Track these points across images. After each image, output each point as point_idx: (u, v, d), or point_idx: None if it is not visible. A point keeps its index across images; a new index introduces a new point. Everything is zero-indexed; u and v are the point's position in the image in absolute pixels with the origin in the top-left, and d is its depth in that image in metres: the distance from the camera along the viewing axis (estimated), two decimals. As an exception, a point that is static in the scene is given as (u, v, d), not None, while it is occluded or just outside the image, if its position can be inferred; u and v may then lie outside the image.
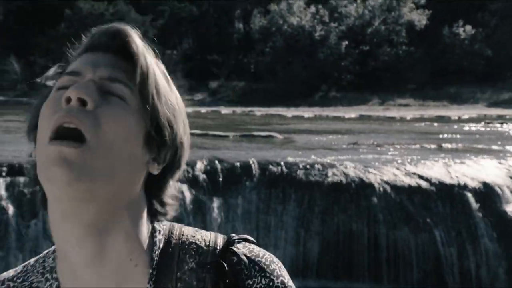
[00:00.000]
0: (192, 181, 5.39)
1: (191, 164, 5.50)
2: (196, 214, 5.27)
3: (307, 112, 18.62)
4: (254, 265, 0.69)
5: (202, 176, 5.50)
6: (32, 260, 0.75)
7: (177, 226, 0.73)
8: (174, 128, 0.69)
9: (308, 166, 5.80)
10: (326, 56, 25.71)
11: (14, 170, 5.11)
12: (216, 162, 5.69)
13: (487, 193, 5.65)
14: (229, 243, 0.71)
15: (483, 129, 12.16)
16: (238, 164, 5.70)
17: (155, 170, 0.69)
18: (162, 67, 0.72)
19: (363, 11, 27.10)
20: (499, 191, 5.68)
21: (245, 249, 0.71)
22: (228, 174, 5.59)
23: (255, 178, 5.59)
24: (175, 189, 0.73)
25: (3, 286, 0.74)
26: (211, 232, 0.73)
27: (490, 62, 25.54)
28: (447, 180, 5.76)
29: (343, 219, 5.41)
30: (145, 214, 0.70)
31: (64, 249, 0.67)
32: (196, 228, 0.74)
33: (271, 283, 0.69)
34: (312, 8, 26.90)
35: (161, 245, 0.70)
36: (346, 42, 25.79)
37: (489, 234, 5.39)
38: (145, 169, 0.68)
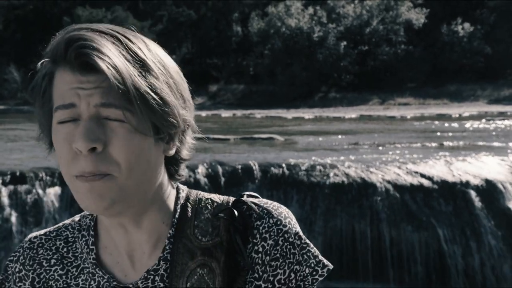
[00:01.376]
0: (193, 185, 5.39)
1: (193, 168, 5.50)
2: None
3: (307, 113, 18.62)
4: (263, 209, 0.75)
5: (204, 180, 5.50)
6: (67, 220, 0.82)
7: (195, 190, 0.81)
8: (173, 107, 0.70)
9: (309, 167, 5.79)
10: (325, 57, 25.71)
11: (16, 178, 5.11)
12: (218, 165, 5.69)
13: (490, 190, 5.64)
14: (240, 196, 0.77)
15: (484, 126, 12.14)
16: (239, 166, 5.70)
17: (172, 150, 0.74)
18: (140, 46, 0.69)
19: (361, 11, 27.12)
20: (502, 188, 5.66)
21: (255, 199, 0.77)
22: (229, 177, 5.59)
23: (257, 180, 5.59)
24: (190, 146, 0.78)
25: (36, 239, 0.80)
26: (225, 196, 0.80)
27: (490, 59, 25.51)
28: (449, 178, 5.75)
29: (345, 220, 5.40)
30: (171, 186, 0.77)
31: (105, 224, 0.76)
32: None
33: (278, 222, 0.74)
34: (310, 10, 26.92)
35: (183, 201, 0.78)
36: (345, 43, 25.80)
37: (493, 231, 5.38)
38: (163, 156, 0.74)
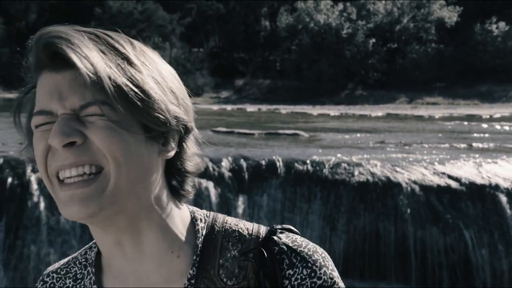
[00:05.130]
0: (217, 179, 5.41)
1: (217, 162, 5.52)
2: (221, 212, 5.25)
3: (332, 110, 18.46)
4: (296, 255, 0.68)
5: (228, 174, 5.52)
6: (77, 253, 0.78)
7: (220, 215, 0.74)
8: (159, 102, 0.64)
9: (334, 165, 5.74)
10: (353, 54, 25.43)
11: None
12: (242, 160, 5.69)
13: (520, 194, 5.48)
14: (272, 232, 0.70)
15: (516, 128, 11.80)
16: (263, 162, 5.69)
17: (170, 153, 0.68)
18: (122, 42, 0.65)
19: (391, 9, 26.68)
20: (533, 192, 5.50)
21: (288, 239, 0.70)
22: (253, 172, 5.59)
23: (281, 176, 5.58)
24: (197, 157, 0.71)
25: (49, 278, 0.77)
26: (254, 223, 0.73)
27: (524, 60, 24.77)
28: (478, 180, 5.61)
29: (369, 218, 5.34)
30: (174, 205, 0.70)
31: (104, 249, 0.70)
32: (239, 218, 0.74)
33: (312, 274, 0.68)
34: (340, 6, 26.66)
35: (204, 232, 0.71)
36: (374, 40, 25.45)
37: (522, 236, 5.23)
38: (159, 159, 0.67)
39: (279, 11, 28.01)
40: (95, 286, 0.72)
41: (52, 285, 0.76)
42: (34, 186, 5.08)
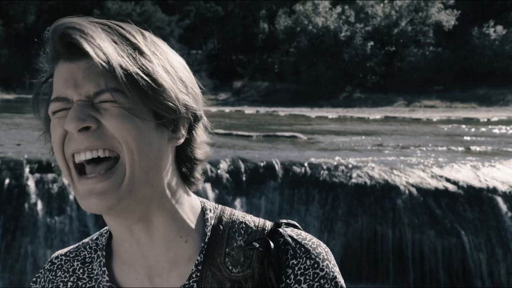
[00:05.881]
0: (215, 181, 5.40)
1: (215, 164, 5.52)
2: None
3: (331, 113, 18.47)
4: (300, 247, 0.70)
5: (226, 176, 5.51)
6: (87, 238, 0.80)
7: (228, 208, 0.76)
8: (169, 90, 0.67)
9: (332, 167, 5.74)
10: (351, 57, 25.46)
11: (43, 167, 5.21)
12: (240, 161, 5.69)
13: (518, 198, 5.49)
14: (277, 225, 0.73)
15: (513, 132, 11.82)
16: (261, 164, 5.69)
17: (180, 140, 0.70)
18: (133, 33, 0.68)
19: (389, 12, 26.74)
20: (530, 196, 5.50)
21: (293, 232, 0.72)
22: (251, 174, 5.58)
23: (279, 178, 5.57)
24: (205, 145, 0.73)
25: (57, 260, 0.79)
26: (260, 218, 0.76)
27: (522, 63, 24.84)
28: (476, 184, 5.62)
29: (367, 221, 5.33)
30: (184, 192, 0.73)
31: (116, 234, 0.73)
32: (245, 213, 0.77)
33: (315, 265, 0.70)
34: (338, 9, 26.69)
35: (212, 222, 0.73)
36: (372, 43, 25.49)
37: (519, 239, 5.23)
38: (170, 146, 0.70)
39: (277, 14, 28.05)
40: (104, 268, 0.73)
41: (59, 266, 0.78)
42: (32, 187, 5.07)
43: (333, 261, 0.71)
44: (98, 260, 0.75)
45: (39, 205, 4.97)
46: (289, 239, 0.70)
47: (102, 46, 0.64)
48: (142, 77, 0.65)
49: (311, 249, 0.70)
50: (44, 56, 0.70)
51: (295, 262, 0.69)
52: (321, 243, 0.72)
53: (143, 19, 27.86)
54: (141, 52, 0.66)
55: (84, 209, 0.66)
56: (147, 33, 0.70)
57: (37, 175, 5.16)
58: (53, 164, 5.27)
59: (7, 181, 5.00)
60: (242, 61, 29.67)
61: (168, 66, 0.68)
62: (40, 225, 4.89)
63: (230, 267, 0.70)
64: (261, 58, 29.69)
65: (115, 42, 0.66)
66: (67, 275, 0.77)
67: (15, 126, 9.29)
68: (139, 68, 0.65)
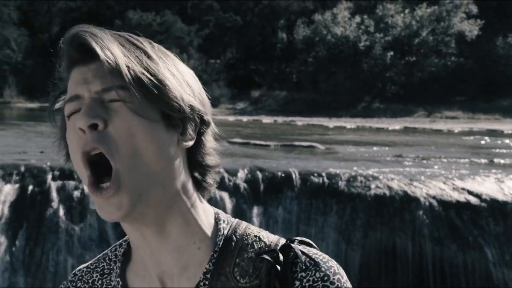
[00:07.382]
0: (233, 190, 5.39)
1: (232, 173, 5.50)
2: (235, 223, 5.23)
3: (349, 123, 18.35)
4: (310, 260, 0.70)
5: (243, 185, 5.49)
6: (108, 249, 0.82)
7: (244, 222, 0.77)
8: (174, 90, 0.68)
9: (350, 178, 5.67)
10: (370, 67, 25.32)
11: (64, 174, 5.27)
12: (257, 171, 5.66)
13: (543, 212, 5.32)
14: (291, 241, 0.73)
15: (537, 144, 11.53)
16: (279, 173, 5.65)
17: (189, 142, 0.71)
18: (142, 41, 0.71)
19: (410, 21, 26.54)
20: (556, 210, 5.33)
21: (305, 249, 0.72)
22: (269, 184, 5.55)
23: (296, 188, 5.52)
24: (215, 149, 0.74)
25: (79, 271, 0.82)
26: (276, 235, 0.76)
27: (546, 75, 24.32)
28: (500, 197, 5.47)
29: (386, 233, 5.24)
30: (198, 197, 0.73)
31: (132, 240, 0.74)
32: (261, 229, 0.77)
33: (325, 278, 0.68)
34: (357, 18, 26.62)
35: (225, 232, 0.73)
36: (392, 53, 25.31)
37: (545, 255, 5.06)
38: (179, 149, 0.70)
39: (296, 24, 28.11)
40: (118, 279, 0.75)
41: (80, 277, 0.80)
42: (54, 194, 5.13)
43: (345, 277, 0.69)
44: (115, 271, 0.77)
45: (61, 212, 5.02)
46: (299, 252, 0.70)
47: (110, 47, 0.67)
48: (147, 76, 0.67)
49: (321, 263, 0.69)
50: (60, 69, 0.72)
51: (303, 275, 0.68)
52: (333, 261, 0.71)
53: (163, 29, 28.25)
54: (148, 56, 0.69)
55: (102, 217, 0.69)
56: (157, 45, 0.72)
57: (59, 182, 5.22)
58: (75, 171, 5.31)
59: (30, 187, 5.07)
60: (260, 71, 29.77)
61: (175, 70, 0.70)
62: (62, 232, 4.93)
63: (238, 277, 0.70)
64: (279, 68, 29.74)
65: (123, 45, 0.69)
66: (87, 286, 0.79)
67: (39, 134, 9.46)
68: (144, 69, 0.68)
